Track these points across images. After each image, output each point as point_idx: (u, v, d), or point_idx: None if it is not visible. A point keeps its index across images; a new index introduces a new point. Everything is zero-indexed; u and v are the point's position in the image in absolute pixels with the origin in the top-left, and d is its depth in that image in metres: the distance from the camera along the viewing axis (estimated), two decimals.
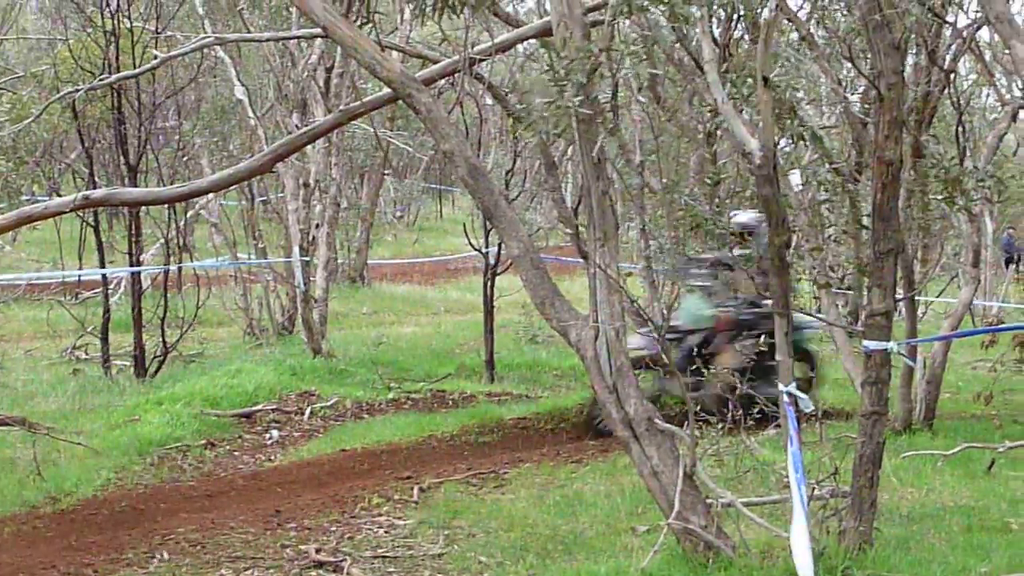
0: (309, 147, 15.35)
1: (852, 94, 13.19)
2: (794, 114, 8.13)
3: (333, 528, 9.15)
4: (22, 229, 8.84)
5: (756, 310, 12.39)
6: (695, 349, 12.26)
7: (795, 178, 10.39)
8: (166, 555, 8.45)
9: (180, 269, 18.53)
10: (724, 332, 12.58)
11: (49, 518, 9.70)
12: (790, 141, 9.19)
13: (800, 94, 11.53)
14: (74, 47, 16.29)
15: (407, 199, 35.11)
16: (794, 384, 6.85)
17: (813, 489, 7.34)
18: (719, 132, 12.64)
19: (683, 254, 13.27)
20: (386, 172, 29.09)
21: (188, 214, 19.03)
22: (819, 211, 10.13)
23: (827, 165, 10.98)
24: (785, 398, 6.81)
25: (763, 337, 10.73)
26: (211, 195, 18.21)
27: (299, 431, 13.04)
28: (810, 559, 6.39)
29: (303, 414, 13.51)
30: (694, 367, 11.03)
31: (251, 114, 18.15)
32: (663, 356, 10.47)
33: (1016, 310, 23.20)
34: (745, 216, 12.39)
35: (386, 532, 9.03)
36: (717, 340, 12.54)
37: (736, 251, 11.59)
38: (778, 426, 7.22)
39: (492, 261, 16.09)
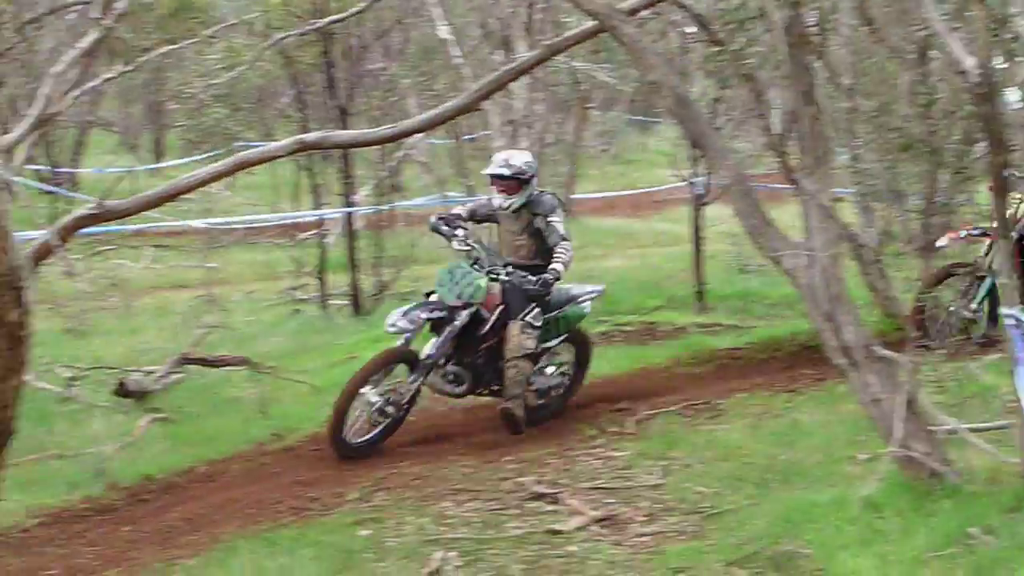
0: (514, 84, 15.38)
1: None
2: (1007, 28, 7.87)
3: (550, 460, 9.25)
4: (239, 174, 9.07)
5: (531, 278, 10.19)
6: (461, 332, 10.15)
7: (1013, 96, 10.08)
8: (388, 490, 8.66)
9: (392, 208, 18.79)
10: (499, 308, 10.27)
11: (275, 454, 10.01)
12: (1006, 58, 8.92)
13: (1015, 9, 11.17)
14: None
15: (612, 132, 34.97)
16: (1020, 307, 6.69)
17: None
18: (931, 52, 12.30)
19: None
20: (590, 106, 28.99)
21: (398, 154, 19.24)
22: None
23: None
24: (1010, 321, 6.65)
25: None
26: (419, 135, 18.38)
27: None
28: None
29: None
30: (477, 355, 10.25)
31: (456, 53, 18.26)
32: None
33: None
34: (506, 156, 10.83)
35: (603, 464, 9.11)
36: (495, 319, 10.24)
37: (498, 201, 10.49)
38: (1002, 351, 7.06)
39: (700, 191, 15.96)
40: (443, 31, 18.10)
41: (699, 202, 16.05)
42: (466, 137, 21.70)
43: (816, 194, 7.23)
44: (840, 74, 13.17)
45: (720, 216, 15.31)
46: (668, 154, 16.91)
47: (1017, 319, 6.60)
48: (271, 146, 8.87)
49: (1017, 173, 9.34)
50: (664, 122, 31.93)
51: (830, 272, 7.22)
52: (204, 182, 8.24)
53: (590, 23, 8.51)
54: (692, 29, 14.61)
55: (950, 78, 12.11)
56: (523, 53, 15.07)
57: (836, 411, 9.69)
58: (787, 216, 10.10)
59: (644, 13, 10.85)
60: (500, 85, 9.98)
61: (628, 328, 14.65)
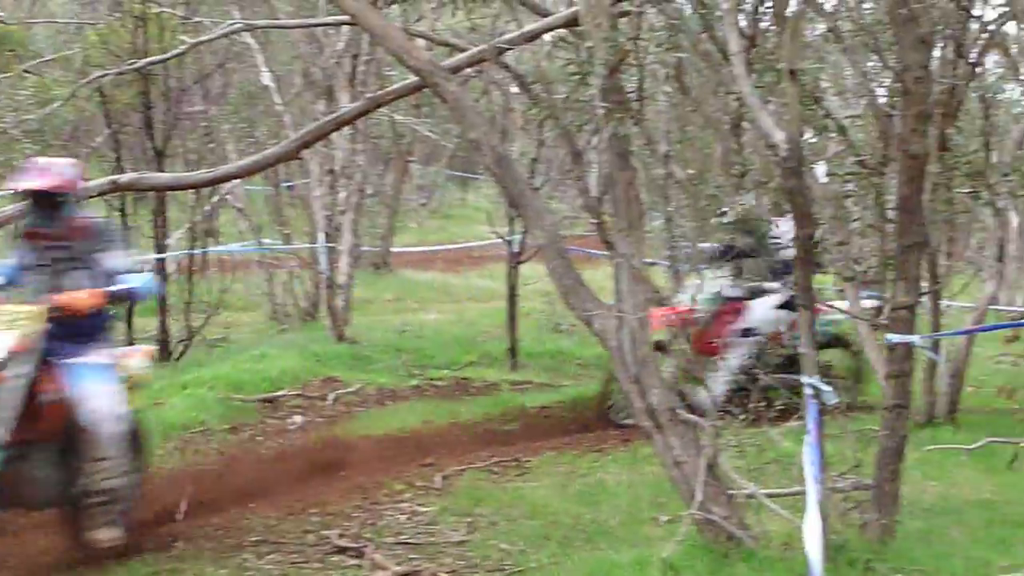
0: (335, 134, 15.38)
1: (878, 86, 13.15)
2: (819, 105, 8.13)
3: (355, 514, 9.19)
4: None
5: None
6: None
7: (821, 170, 10.38)
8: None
9: (205, 254, 18.59)
10: None
11: None
12: (816, 133, 9.20)
13: (826, 85, 11.55)
14: (103, 32, 16.32)
15: (432, 186, 35.10)
16: (817, 376, 6.86)
17: (835, 482, 7.37)
18: (745, 123, 12.62)
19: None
20: (411, 159, 29.08)
21: (214, 199, 19.06)
22: (844, 204, 10.11)
23: (852, 157, 10.97)
24: (808, 390, 6.82)
25: None
26: (237, 180, 18.23)
27: (322, 417, 13.05)
28: (820, 554, 6.38)
29: (326, 400, 13.54)
30: None
31: (278, 100, 18.20)
32: None
33: None
34: None
35: (408, 519, 9.07)
36: None
37: None
38: (801, 417, 7.23)
39: (516, 249, 16.10)
40: (265, 77, 18.04)
41: (515, 260, 16.18)
42: (284, 184, 21.58)
43: (628, 257, 7.34)
44: (657, 141, 13.42)
45: (535, 274, 15.48)
46: (487, 210, 17.03)
47: (815, 388, 6.77)
48: (83, 185, 8.69)
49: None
50: (484, 178, 32.16)
51: (638, 335, 7.33)
52: (12, 219, 8.06)
53: (413, 78, 8.56)
54: (515, 89, 14.79)
55: (762, 150, 12.45)
56: (346, 104, 15.08)
57: (641, 472, 9.83)
58: (600, 278, 10.25)
59: (468, 71, 10.97)
60: (321, 135, 10.02)
61: (440, 383, 14.69)
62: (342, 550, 8.20)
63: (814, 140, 10.94)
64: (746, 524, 7.21)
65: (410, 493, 9.78)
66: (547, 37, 9.75)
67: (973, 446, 9.91)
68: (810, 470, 6.57)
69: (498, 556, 8.04)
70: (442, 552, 8.19)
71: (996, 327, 13.48)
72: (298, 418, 12.91)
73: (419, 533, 8.68)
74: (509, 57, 10.28)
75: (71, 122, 19.70)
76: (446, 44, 11.75)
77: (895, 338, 7.08)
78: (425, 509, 9.28)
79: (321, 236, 16.90)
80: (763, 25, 12.05)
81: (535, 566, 7.77)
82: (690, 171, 13.37)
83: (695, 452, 7.20)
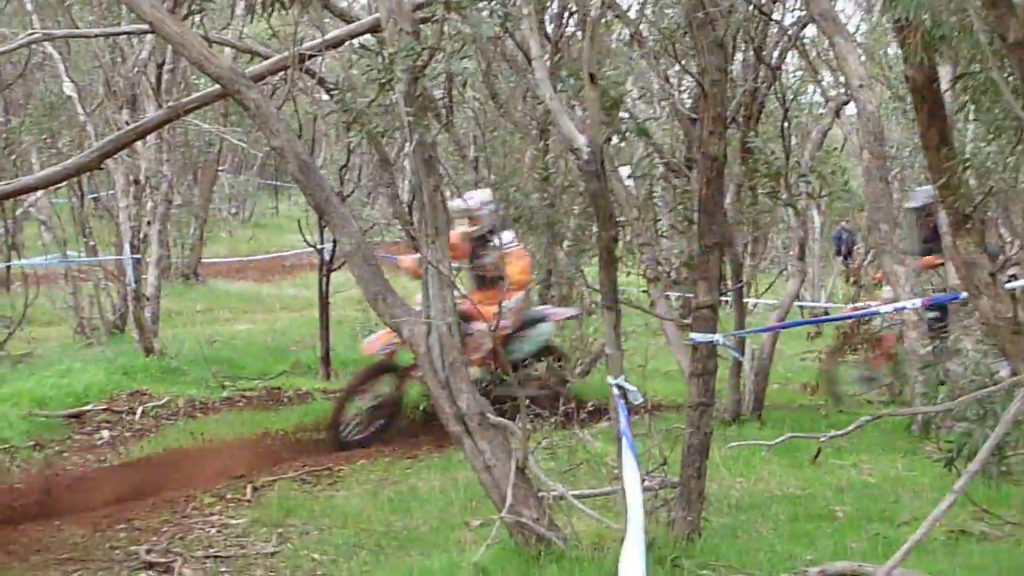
0: (140, 143, 15.14)
1: (681, 91, 13.40)
2: (619, 109, 8.24)
3: (164, 528, 9.02)
4: None
5: None
6: None
7: (625, 172, 10.53)
8: None
9: (8, 267, 18.14)
10: None
11: None
12: (619, 137, 9.32)
13: (630, 90, 11.72)
14: None
15: (242, 195, 34.77)
16: (623, 377, 6.93)
17: (643, 480, 7.47)
18: (551, 127, 12.75)
19: None
20: (220, 168, 28.76)
21: (17, 212, 18.61)
22: (649, 206, 10.28)
23: (657, 160, 11.16)
24: (615, 391, 6.88)
25: None
26: (40, 192, 17.82)
27: (130, 431, 12.81)
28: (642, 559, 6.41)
29: (134, 414, 13.29)
30: None
31: (80, 110, 17.85)
32: None
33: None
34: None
35: (218, 531, 8.93)
36: None
37: None
38: (610, 419, 7.30)
39: (327, 257, 16.02)
40: (68, 87, 17.68)
41: (326, 268, 16.10)
42: (90, 196, 21.15)
43: (436, 263, 7.35)
44: (466, 146, 13.49)
45: (347, 282, 15.40)
46: (298, 219, 16.90)
47: (622, 388, 6.83)
48: None
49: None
50: (295, 187, 31.94)
51: (447, 340, 7.34)
52: None
53: (216, 86, 8.45)
54: (324, 96, 14.72)
55: (567, 154, 12.60)
56: (150, 113, 14.84)
57: (453, 477, 9.84)
58: (413, 285, 10.25)
59: (273, 79, 10.90)
60: (124, 144, 9.83)
61: (252, 393, 14.53)
62: (150, 565, 8.04)
63: (619, 144, 11.08)
64: (556, 525, 7.25)
65: (220, 506, 9.64)
66: (355, 43, 9.74)
67: (776, 441, 10.09)
68: (631, 469, 6.59)
69: (309, 567, 7.98)
70: (252, 564, 8.09)
71: (798, 323, 13.78)
72: (105, 433, 12.65)
73: (229, 546, 8.55)
74: (317, 64, 10.24)
75: None
76: (250, 51, 11.68)
77: (698, 337, 7.19)
78: (235, 521, 9.15)
79: (127, 247, 16.59)
80: (567, 31, 12.26)
81: (346, 575, 7.73)
82: (495, 177, 13.47)
83: (505, 455, 7.23)
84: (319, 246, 16.14)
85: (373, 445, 11.79)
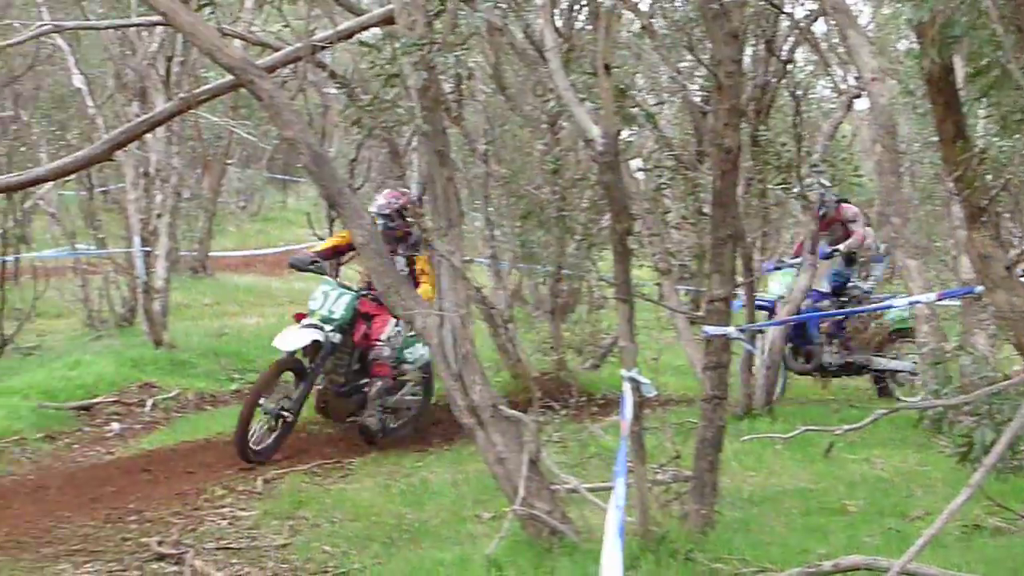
0: (149, 136, 15.11)
1: (692, 83, 13.36)
2: (626, 97, 8.20)
3: (175, 520, 9.04)
4: None
5: None
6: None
7: (636, 164, 10.51)
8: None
9: (17, 260, 18.13)
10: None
11: None
12: (631, 128, 9.29)
13: (640, 82, 11.70)
14: None
15: (251, 189, 34.72)
16: (637, 370, 6.90)
17: (656, 473, 7.45)
18: (562, 120, 12.72)
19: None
20: (229, 162, 28.72)
21: (26, 204, 18.57)
22: (660, 198, 10.25)
23: (667, 152, 11.12)
24: (627, 384, 6.86)
25: None
26: (49, 185, 17.81)
27: (140, 423, 12.84)
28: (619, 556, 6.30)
29: (144, 406, 13.31)
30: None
31: (90, 103, 17.83)
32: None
33: None
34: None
35: (229, 523, 8.95)
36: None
37: None
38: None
39: None
40: (77, 80, 17.66)
41: (335, 262, 16.05)
42: (99, 189, 21.13)
43: (448, 255, 7.33)
44: (475, 139, 13.45)
45: (356, 276, 15.41)
46: (307, 213, 16.86)
47: (635, 381, 6.80)
48: None
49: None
50: (303, 181, 31.89)
51: (460, 332, 7.32)
52: None
53: (228, 78, 8.43)
54: (332, 89, 14.70)
55: (578, 147, 12.57)
56: (160, 105, 14.81)
57: (464, 470, 9.82)
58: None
59: (284, 71, 10.88)
60: (134, 136, 9.84)
61: None
62: (162, 557, 8.05)
63: (631, 137, 11.07)
64: (568, 518, 7.24)
65: (231, 498, 9.65)
66: (367, 34, 9.72)
67: (789, 435, 10.06)
68: (621, 461, 6.56)
69: (321, 559, 7.98)
70: (264, 556, 8.10)
71: (809, 316, 13.74)
72: (116, 425, 12.66)
73: (240, 538, 8.57)
74: (327, 57, 10.23)
75: None
76: (261, 44, 11.65)
77: (712, 330, 7.17)
78: (246, 513, 9.16)
79: (137, 240, 16.57)
80: (578, 24, 12.23)
81: (358, 567, 7.73)
82: (507, 169, 13.44)
83: (517, 448, 7.21)
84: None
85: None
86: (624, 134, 9.68)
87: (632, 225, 7.53)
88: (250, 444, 10.67)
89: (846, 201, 13.86)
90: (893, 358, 14.13)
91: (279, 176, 36.69)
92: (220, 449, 11.13)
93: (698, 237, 11.54)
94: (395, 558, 7.77)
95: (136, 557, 8.11)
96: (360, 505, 9.11)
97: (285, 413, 10.96)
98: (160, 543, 8.30)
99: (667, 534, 6.99)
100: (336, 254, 11.80)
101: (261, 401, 10.84)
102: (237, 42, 11.06)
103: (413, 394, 12.06)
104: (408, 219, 11.15)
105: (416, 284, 10.85)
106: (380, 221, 11.07)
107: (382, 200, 11.39)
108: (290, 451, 11.20)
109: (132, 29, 16.14)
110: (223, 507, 9.40)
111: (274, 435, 10.93)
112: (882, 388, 14.15)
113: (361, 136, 12.69)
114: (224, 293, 23.62)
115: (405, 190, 11.87)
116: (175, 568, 7.89)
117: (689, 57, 12.53)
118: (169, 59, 16.42)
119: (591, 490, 7.58)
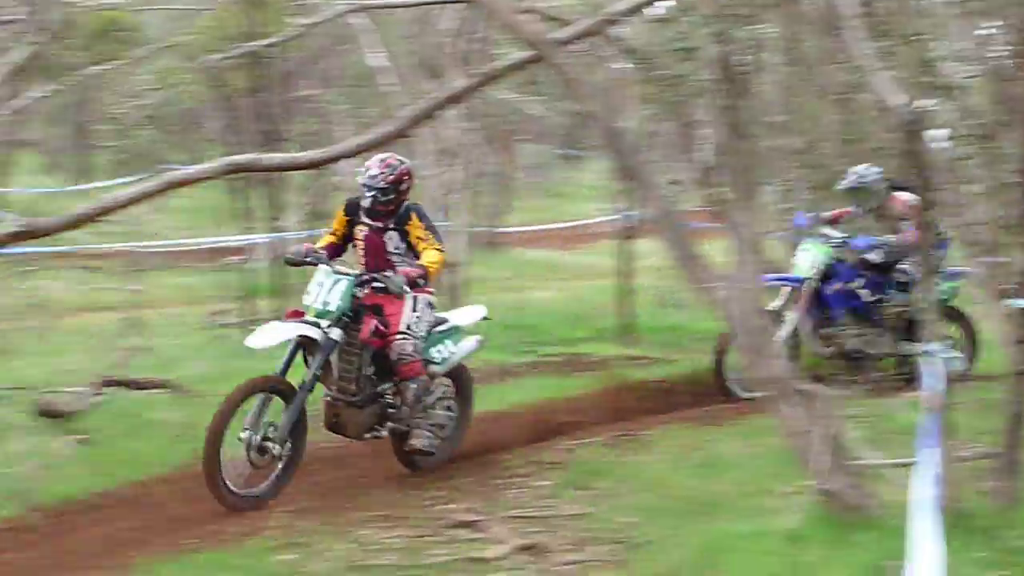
0: (445, 113, 15.38)
1: (994, 50, 12.91)
2: (933, 69, 8.00)
3: (474, 489, 9.24)
4: (165, 197, 9.03)
5: None
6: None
7: (942, 134, 10.21)
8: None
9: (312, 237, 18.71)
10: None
11: (196, 478, 9.77)
12: (933, 97, 9.03)
13: (942, 51, 11.35)
14: (217, 17, 16.49)
15: (542, 165, 35.05)
16: (938, 344, 6.75)
17: (959, 450, 7.28)
18: (857, 91, 12.46)
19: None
20: (521, 138, 29.07)
21: (328, 180, 19.12)
22: (962, 168, 9.91)
23: (969, 121, 10.76)
24: (930, 359, 6.72)
25: None
26: (351, 160, 18.31)
27: None
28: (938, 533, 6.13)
29: None
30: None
31: (389, 81, 18.26)
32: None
33: None
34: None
35: (526, 493, 9.09)
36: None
37: None
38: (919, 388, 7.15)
39: (629, 224, 16.05)
40: (376, 58, 18.09)
41: (627, 235, 16.13)
42: None
43: (745, 226, 7.29)
44: (769, 112, 13.29)
45: (647, 250, 15.43)
46: (596, 188, 16.97)
47: (939, 355, 6.66)
48: (202, 167, 8.84)
49: None
50: (592, 156, 32.03)
51: (757, 305, 7.28)
52: (133, 201, 8.17)
53: (526, 52, 8.54)
54: (621, 65, 14.72)
55: (877, 117, 12.27)
56: (456, 82, 15.07)
57: (757, 444, 9.73)
58: (711, 252, 10.20)
59: (571, 47, 10.96)
60: (431, 111, 10.01)
61: (554, 359, 14.68)
62: (462, 524, 8.24)
63: (930, 106, 10.76)
64: (870, 494, 7.13)
65: (527, 468, 9.79)
66: (659, 8, 9.70)
67: None
68: (930, 436, 6.44)
69: (616, 528, 8.04)
70: (561, 525, 8.21)
71: None
72: None
73: (537, 507, 8.70)
74: (622, 31, 10.24)
75: (186, 109, 19.98)
76: (552, 19, 11.74)
77: (1021, 302, 6.96)
78: (543, 483, 9.29)
79: (440, 215, 16.93)
80: None
81: (654, 538, 7.76)
82: (803, 141, 13.23)
83: (815, 422, 7.13)
84: (622, 213, 16.17)
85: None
86: (927, 103, 9.42)
87: (935, 196, 7.36)
88: (227, 485, 8.79)
89: (904, 189, 12.51)
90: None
91: (568, 151, 36.95)
92: (517, 420, 11.28)
93: (1006, 208, 11.14)
94: (690, 530, 7.76)
95: (438, 523, 8.31)
96: (654, 477, 9.14)
97: (269, 444, 8.92)
98: (462, 510, 8.49)
99: (971, 511, 6.83)
100: (336, 252, 10.03)
101: (242, 434, 8.86)
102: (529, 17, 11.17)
103: (445, 408, 10.07)
104: (404, 189, 9.76)
105: (416, 256, 9.51)
106: (370, 194, 9.64)
107: (375, 170, 9.69)
108: (584, 422, 11.28)
109: (428, 8, 16.44)
110: (519, 477, 9.54)
111: (273, 474, 9.05)
112: (908, 378, 12.49)
113: (653, 111, 12.72)
114: (516, 268, 23.96)
115: (401, 157, 10.04)
116: (475, 535, 8.07)
117: (991, 23, 12.11)
118: (465, 36, 16.67)
119: (892, 466, 7.44)
